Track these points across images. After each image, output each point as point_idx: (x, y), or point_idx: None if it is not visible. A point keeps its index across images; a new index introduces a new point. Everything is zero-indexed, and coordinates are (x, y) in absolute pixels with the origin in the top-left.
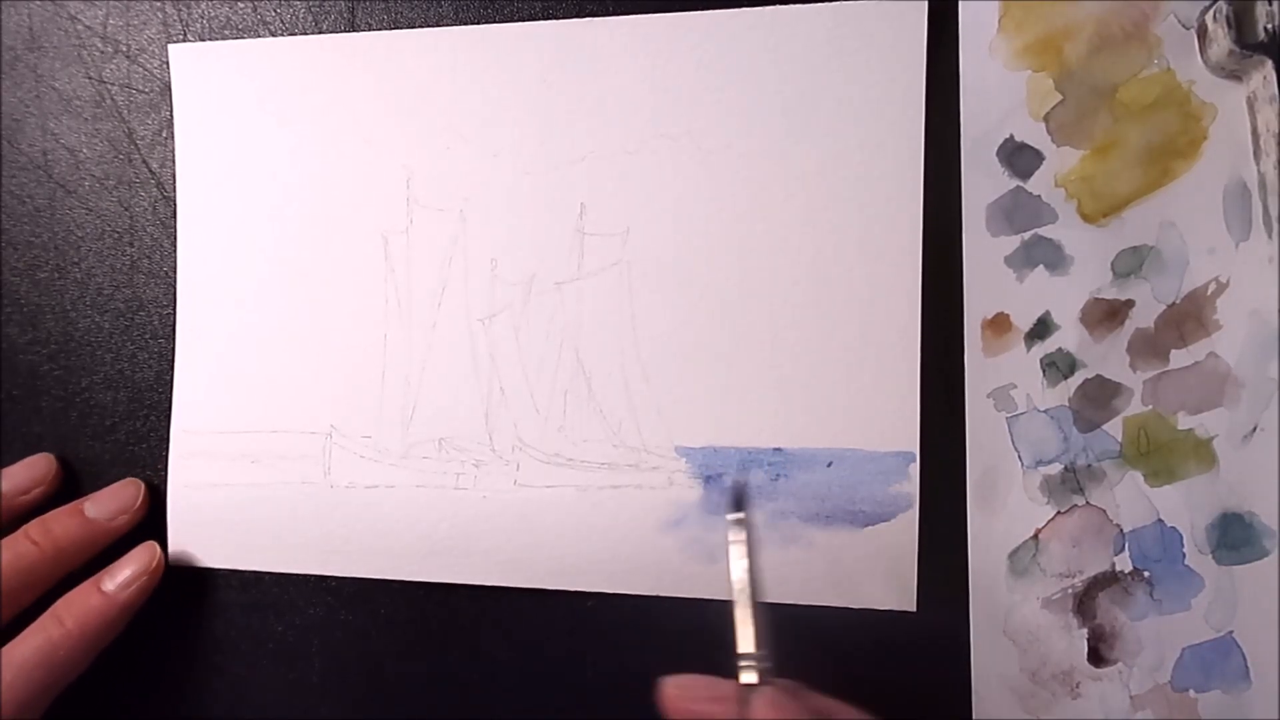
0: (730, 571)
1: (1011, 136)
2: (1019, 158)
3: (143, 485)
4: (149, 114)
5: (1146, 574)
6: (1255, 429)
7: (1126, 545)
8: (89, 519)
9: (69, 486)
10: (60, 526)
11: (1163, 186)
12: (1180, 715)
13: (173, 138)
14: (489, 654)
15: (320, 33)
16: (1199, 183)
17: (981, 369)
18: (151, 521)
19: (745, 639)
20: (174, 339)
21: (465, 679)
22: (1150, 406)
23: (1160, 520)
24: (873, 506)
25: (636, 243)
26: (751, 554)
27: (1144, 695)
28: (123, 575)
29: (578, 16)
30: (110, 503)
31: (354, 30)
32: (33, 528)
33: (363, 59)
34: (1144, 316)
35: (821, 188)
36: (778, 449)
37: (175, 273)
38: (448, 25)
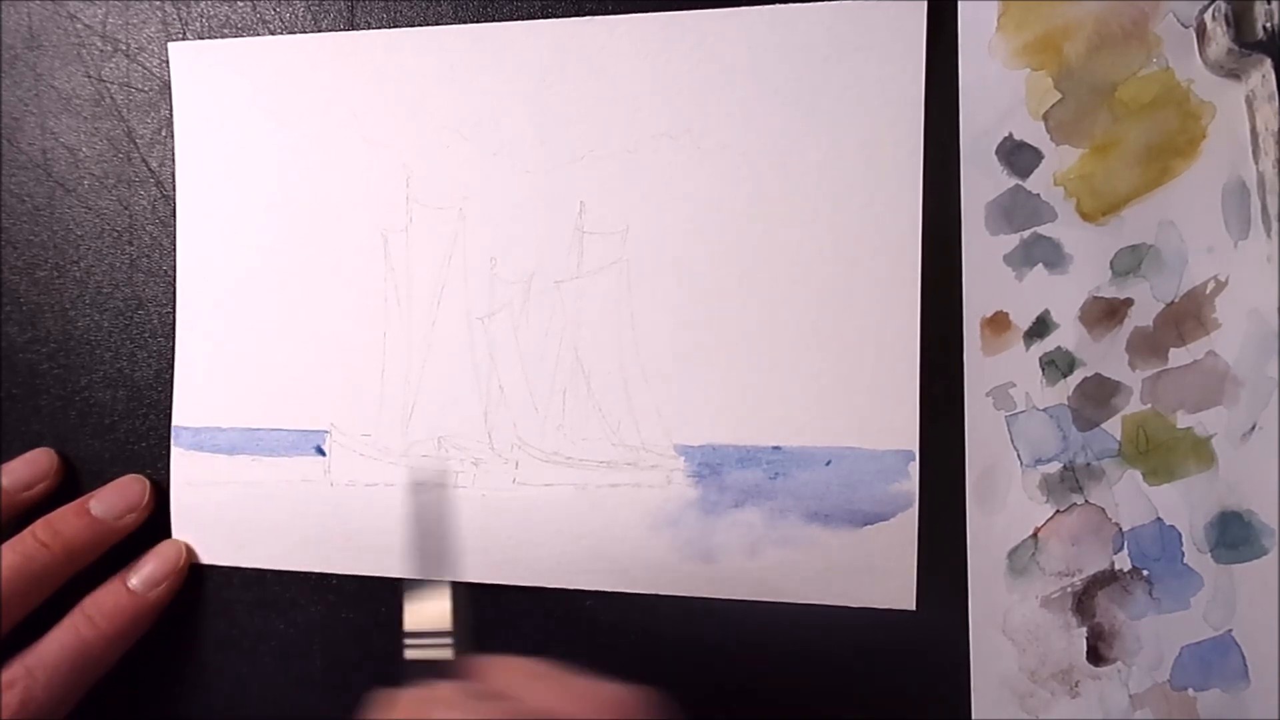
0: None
1: (1010, 135)
2: (1018, 156)
3: (147, 482)
4: (148, 113)
5: (1145, 573)
6: (1254, 427)
7: (1125, 544)
8: (96, 518)
9: (68, 486)
10: (69, 527)
11: (1162, 185)
12: (1179, 714)
13: (172, 136)
14: (488, 652)
15: (319, 31)
16: (1198, 181)
17: (980, 367)
18: (154, 521)
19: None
20: (173, 337)
21: None
22: (1149, 405)
23: (1159, 519)
24: (872, 505)
25: (636, 241)
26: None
27: (1143, 694)
28: (149, 573)
29: (577, 15)
30: (117, 501)
31: (353, 29)
32: (40, 528)
33: (362, 57)
34: (1143, 315)
35: (821, 186)
36: (776, 447)
37: (175, 271)
38: (447, 24)
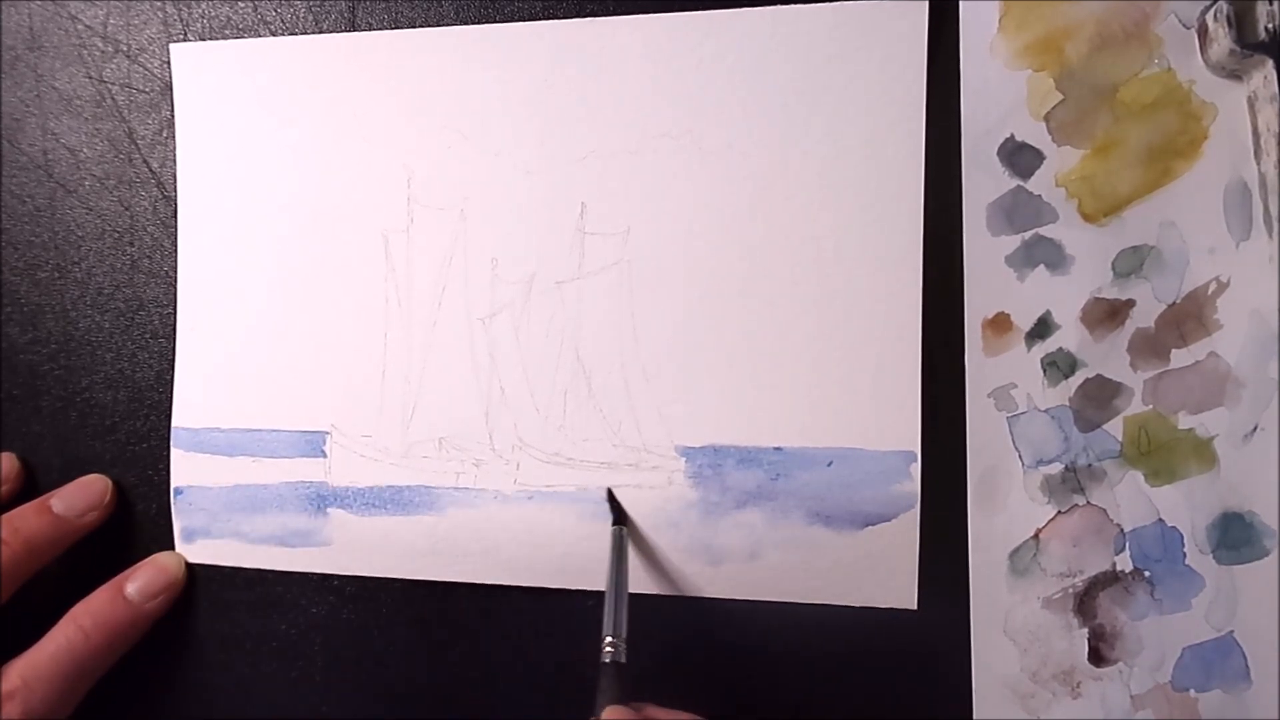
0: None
1: (1012, 136)
2: (1019, 157)
3: (110, 480)
4: (149, 114)
5: (1147, 574)
6: (1255, 429)
7: (1127, 545)
8: (58, 515)
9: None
10: (29, 524)
11: (1163, 186)
12: (1181, 715)
13: (173, 137)
14: (489, 653)
15: (321, 32)
16: (1199, 182)
17: (982, 368)
18: (154, 521)
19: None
20: (174, 339)
21: (465, 678)
22: (1151, 406)
23: (1161, 520)
24: (873, 506)
25: (637, 242)
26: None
27: (1144, 695)
28: (146, 584)
29: (579, 16)
30: (79, 498)
31: (354, 30)
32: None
33: (363, 58)
34: (1144, 316)
35: (822, 187)
36: (778, 448)
37: (176, 272)
38: (448, 25)
